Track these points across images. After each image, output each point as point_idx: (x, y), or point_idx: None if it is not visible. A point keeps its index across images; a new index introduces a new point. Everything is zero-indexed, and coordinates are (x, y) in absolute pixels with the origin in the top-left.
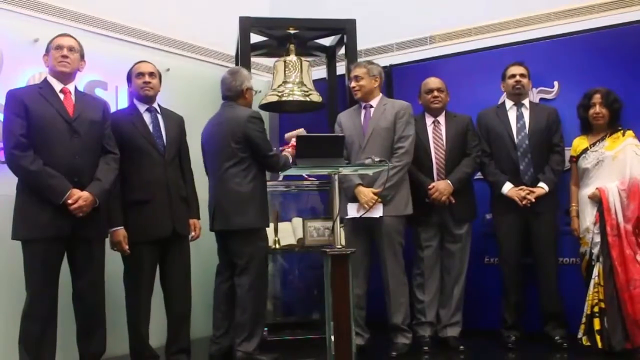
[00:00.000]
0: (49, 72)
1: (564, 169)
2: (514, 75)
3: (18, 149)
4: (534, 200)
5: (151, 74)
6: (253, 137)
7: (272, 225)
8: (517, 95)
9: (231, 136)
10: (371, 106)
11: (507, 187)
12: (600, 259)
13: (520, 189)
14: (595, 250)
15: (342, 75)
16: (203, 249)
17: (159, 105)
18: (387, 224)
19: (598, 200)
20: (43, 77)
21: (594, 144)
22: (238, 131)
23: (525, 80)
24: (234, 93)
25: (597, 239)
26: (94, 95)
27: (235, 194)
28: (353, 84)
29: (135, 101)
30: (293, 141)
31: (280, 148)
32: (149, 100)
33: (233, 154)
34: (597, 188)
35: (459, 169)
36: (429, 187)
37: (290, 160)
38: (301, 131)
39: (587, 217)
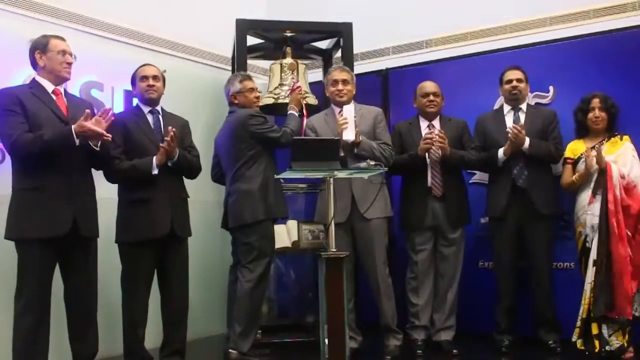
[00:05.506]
0: (42, 73)
1: (557, 173)
2: (510, 81)
3: (22, 136)
4: (523, 131)
5: (155, 77)
6: (258, 133)
7: None
8: (515, 100)
9: (238, 138)
10: None
11: (501, 151)
12: (596, 238)
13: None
14: (593, 224)
15: None
16: (201, 250)
17: (162, 108)
18: (374, 226)
19: (596, 172)
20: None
21: (592, 148)
22: (243, 133)
23: (522, 85)
24: (229, 101)
25: (595, 220)
26: (81, 97)
27: (244, 192)
28: (340, 87)
29: (140, 103)
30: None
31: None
32: (152, 102)
33: (242, 154)
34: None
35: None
36: (425, 135)
37: (298, 115)
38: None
39: (585, 198)
